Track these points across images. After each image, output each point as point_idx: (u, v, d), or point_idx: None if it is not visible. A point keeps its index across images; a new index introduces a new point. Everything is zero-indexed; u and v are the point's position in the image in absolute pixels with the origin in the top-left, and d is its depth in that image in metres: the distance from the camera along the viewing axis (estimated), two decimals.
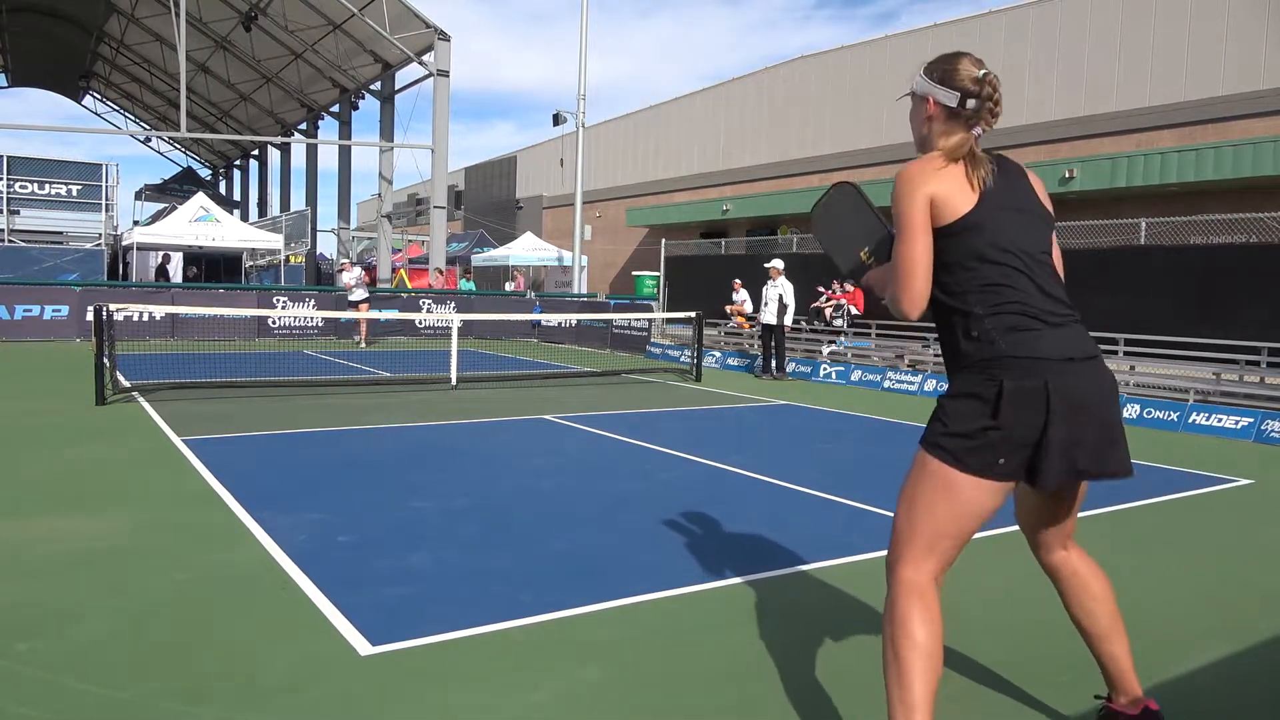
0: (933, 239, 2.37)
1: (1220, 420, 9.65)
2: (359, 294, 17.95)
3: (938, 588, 2.36)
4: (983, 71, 2.47)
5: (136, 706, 2.87)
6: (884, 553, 4.74)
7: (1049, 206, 2.62)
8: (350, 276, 18.27)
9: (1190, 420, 9.83)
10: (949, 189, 2.38)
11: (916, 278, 2.35)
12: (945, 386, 2.44)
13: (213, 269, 31.69)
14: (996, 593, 4.24)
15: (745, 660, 3.37)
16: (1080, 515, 5.93)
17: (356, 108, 32.18)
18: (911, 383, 12.85)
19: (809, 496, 6.05)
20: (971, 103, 2.47)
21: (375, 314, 17.94)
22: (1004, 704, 3.09)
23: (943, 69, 2.51)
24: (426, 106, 25.79)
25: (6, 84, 48.19)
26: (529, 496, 5.86)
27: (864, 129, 25.80)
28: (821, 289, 16.65)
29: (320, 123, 36.39)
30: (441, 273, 26.57)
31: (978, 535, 5.23)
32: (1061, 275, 2.55)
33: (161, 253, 30.61)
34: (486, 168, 46.29)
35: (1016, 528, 5.44)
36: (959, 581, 4.35)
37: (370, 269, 32.92)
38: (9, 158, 27.09)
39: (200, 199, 28.41)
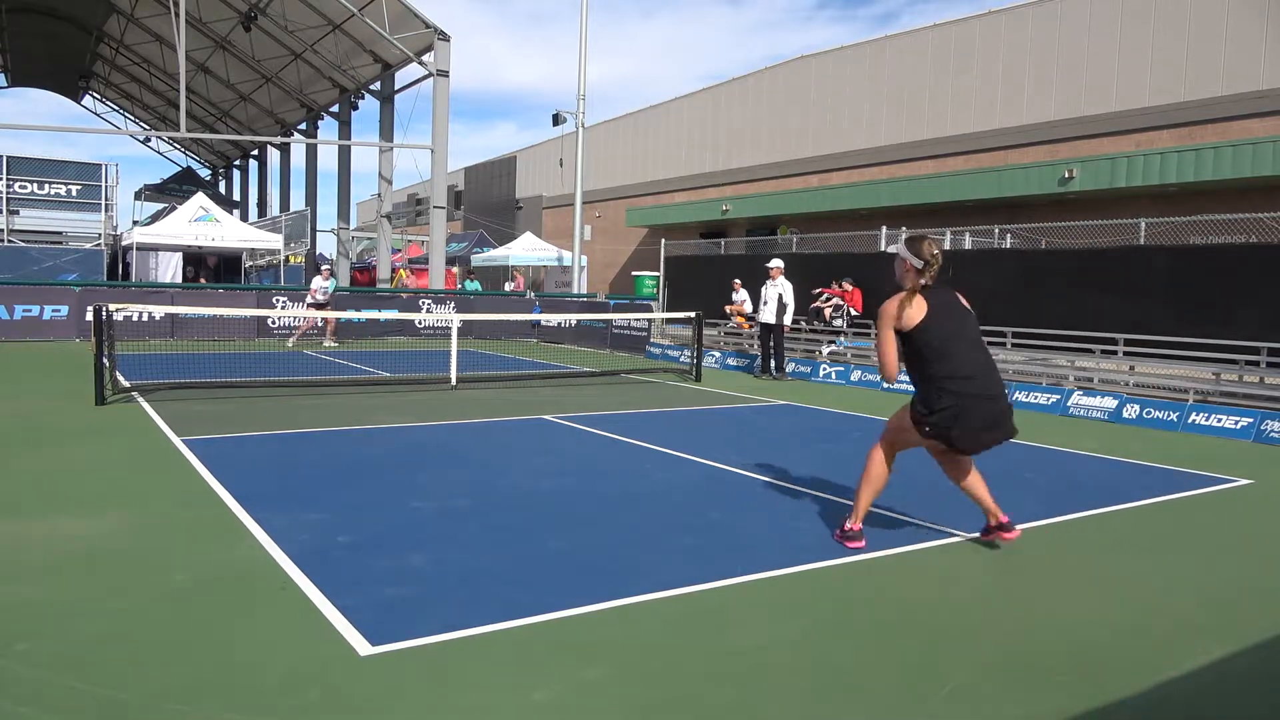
0: (903, 338, 4.60)
1: (1220, 420, 9.65)
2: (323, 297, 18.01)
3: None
4: (935, 251, 4.65)
5: (136, 706, 2.87)
6: (884, 553, 4.77)
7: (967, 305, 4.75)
8: (326, 284, 18.05)
9: (1190, 420, 9.83)
10: (911, 312, 4.56)
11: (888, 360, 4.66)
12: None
13: (212, 269, 31.69)
14: (995, 592, 4.25)
15: (745, 660, 3.37)
16: (1080, 515, 5.94)
17: (356, 108, 32.17)
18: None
19: (809, 496, 6.05)
20: (926, 266, 4.66)
21: (336, 314, 17.64)
22: (1004, 704, 3.08)
23: (915, 246, 4.66)
24: (426, 107, 25.79)
25: (6, 84, 48.18)
26: (529, 496, 5.86)
27: (864, 129, 25.81)
28: (818, 289, 16.65)
29: (320, 123, 36.38)
30: (412, 273, 26.63)
31: (975, 536, 5.20)
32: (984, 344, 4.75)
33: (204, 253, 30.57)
34: (486, 168, 46.30)
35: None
36: (958, 581, 4.35)
37: (370, 269, 32.92)
38: (8, 158, 27.06)
39: (200, 199, 28.39)
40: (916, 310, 4.52)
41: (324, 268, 19.25)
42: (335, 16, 26.49)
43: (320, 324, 18.22)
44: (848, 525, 4.90)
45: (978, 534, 5.08)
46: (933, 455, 4.90)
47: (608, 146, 37.27)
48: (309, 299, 17.97)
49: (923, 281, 4.62)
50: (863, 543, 4.80)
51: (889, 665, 3.37)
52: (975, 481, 4.86)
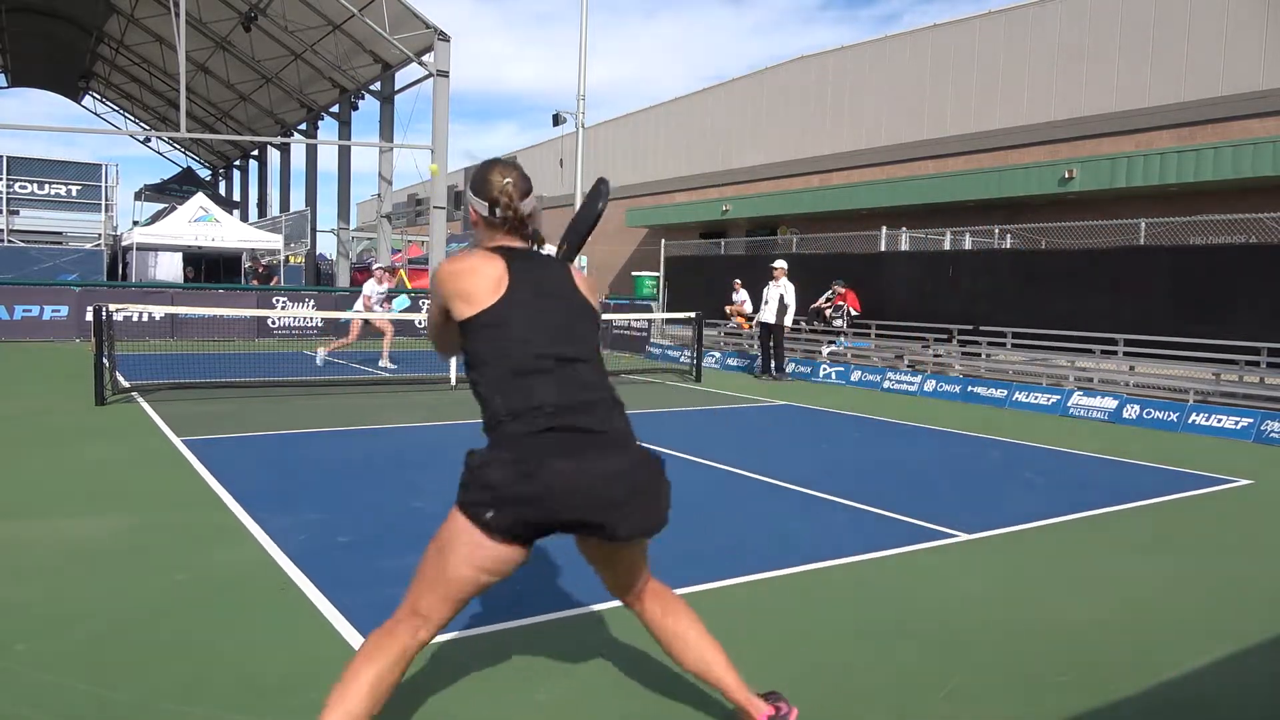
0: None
1: (1220, 420, 9.65)
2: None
3: None
4: (507, 180, 2.64)
5: (136, 706, 2.87)
6: (884, 553, 4.76)
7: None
8: (382, 288, 14.19)
9: (1190, 420, 9.83)
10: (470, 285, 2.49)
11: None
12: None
13: (212, 269, 31.71)
14: (995, 593, 4.24)
15: (745, 660, 3.36)
16: (1080, 515, 5.92)
17: (356, 108, 32.16)
18: (911, 383, 12.85)
19: (808, 497, 6.05)
20: (499, 211, 2.62)
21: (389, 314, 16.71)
22: (1003, 703, 3.08)
23: (480, 180, 2.68)
24: (426, 107, 25.78)
25: (6, 84, 48.18)
26: None
27: (863, 129, 25.81)
28: (824, 297, 16.65)
29: (320, 123, 36.38)
30: (392, 273, 26.52)
31: (975, 536, 5.21)
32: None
33: (264, 259, 30.33)
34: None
35: (1014, 528, 5.44)
36: (957, 581, 4.35)
37: (370, 270, 32.94)
38: (9, 158, 27.08)
39: (200, 199, 28.42)
40: (479, 282, 2.46)
41: (377, 268, 15.01)
42: (335, 17, 26.48)
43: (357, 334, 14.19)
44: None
45: (977, 534, 5.06)
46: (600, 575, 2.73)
47: (608, 146, 37.28)
48: (362, 304, 13.90)
49: (497, 242, 2.64)
50: None
51: (888, 666, 3.37)
52: (704, 650, 2.63)
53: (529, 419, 2.39)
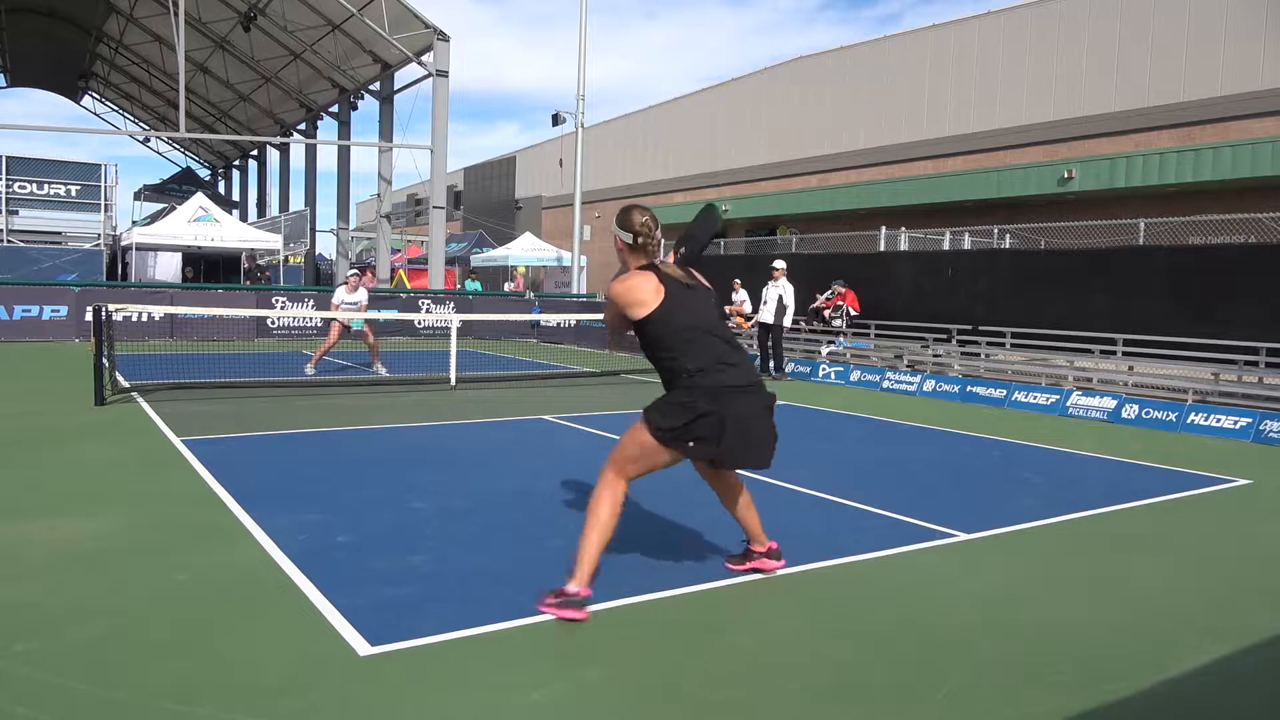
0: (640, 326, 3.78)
1: (1219, 420, 9.65)
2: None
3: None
4: (645, 219, 3.81)
5: (135, 706, 2.87)
6: (882, 553, 4.77)
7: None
8: (352, 297, 13.19)
9: (1189, 420, 9.83)
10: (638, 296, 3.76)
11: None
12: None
13: (211, 269, 31.70)
14: (995, 592, 4.24)
15: (745, 660, 3.37)
16: (1080, 515, 5.91)
17: (355, 108, 32.17)
18: (910, 383, 12.85)
19: (808, 496, 6.05)
20: (641, 239, 3.82)
21: (373, 314, 16.95)
22: (1003, 704, 3.09)
23: (624, 218, 3.84)
24: (426, 106, 25.77)
25: (6, 84, 48.15)
26: (528, 496, 5.86)
27: (863, 129, 25.82)
28: (822, 297, 16.65)
29: (319, 123, 36.38)
30: (364, 274, 26.45)
31: (975, 536, 5.21)
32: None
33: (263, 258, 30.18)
34: (486, 168, 46.29)
35: (1014, 528, 5.46)
36: (956, 581, 4.35)
37: (370, 269, 32.90)
38: (8, 158, 27.05)
39: (199, 199, 28.40)
40: (644, 293, 3.71)
41: (350, 274, 13.69)
42: (335, 17, 26.48)
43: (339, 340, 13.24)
44: (570, 589, 3.69)
45: (976, 534, 5.06)
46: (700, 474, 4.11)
47: (608, 146, 37.27)
48: (335, 313, 13.08)
49: (643, 262, 3.83)
50: (585, 613, 3.68)
51: (888, 665, 3.37)
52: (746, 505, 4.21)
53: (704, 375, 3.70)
